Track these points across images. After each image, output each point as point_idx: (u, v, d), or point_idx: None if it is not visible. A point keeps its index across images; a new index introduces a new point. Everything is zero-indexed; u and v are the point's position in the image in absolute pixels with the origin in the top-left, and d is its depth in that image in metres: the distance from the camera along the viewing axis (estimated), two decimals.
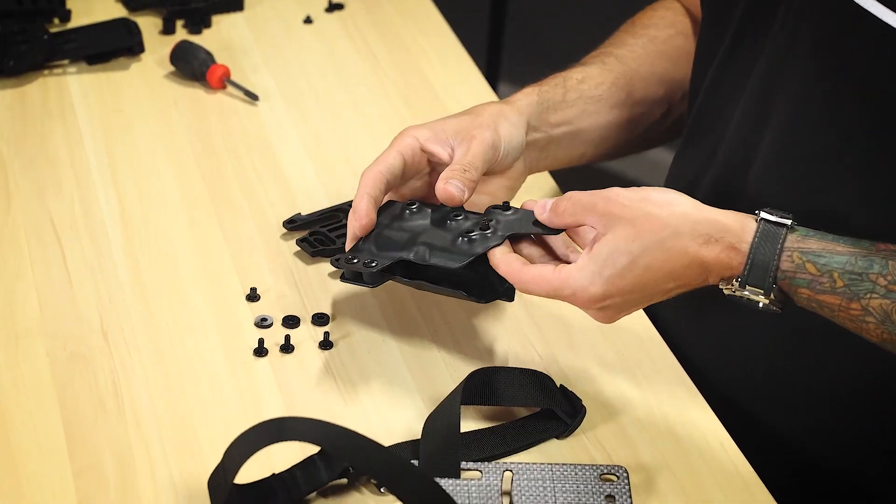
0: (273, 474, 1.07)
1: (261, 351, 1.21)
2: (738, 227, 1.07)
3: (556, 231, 1.13)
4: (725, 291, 1.08)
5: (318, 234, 1.34)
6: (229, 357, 1.20)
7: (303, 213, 1.37)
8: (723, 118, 1.26)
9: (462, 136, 1.23)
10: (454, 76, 1.62)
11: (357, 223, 1.17)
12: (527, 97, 1.30)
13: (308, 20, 1.71)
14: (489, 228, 1.15)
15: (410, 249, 1.16)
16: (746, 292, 1.07)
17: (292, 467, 1.07)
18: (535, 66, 1.51)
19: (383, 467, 1.04)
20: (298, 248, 1.33)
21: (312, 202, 1.40)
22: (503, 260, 1.13)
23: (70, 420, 1.12)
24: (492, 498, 1.08)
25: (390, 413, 1.16)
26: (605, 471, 1.11)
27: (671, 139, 1.45)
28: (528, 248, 1.15)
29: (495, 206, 1.19)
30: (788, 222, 1.07)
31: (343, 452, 1.04)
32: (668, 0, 1.45)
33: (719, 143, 1.26)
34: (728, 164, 1.25)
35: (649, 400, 1.20)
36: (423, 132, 1.23)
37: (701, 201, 1.24)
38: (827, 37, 1.12)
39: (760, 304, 1.07)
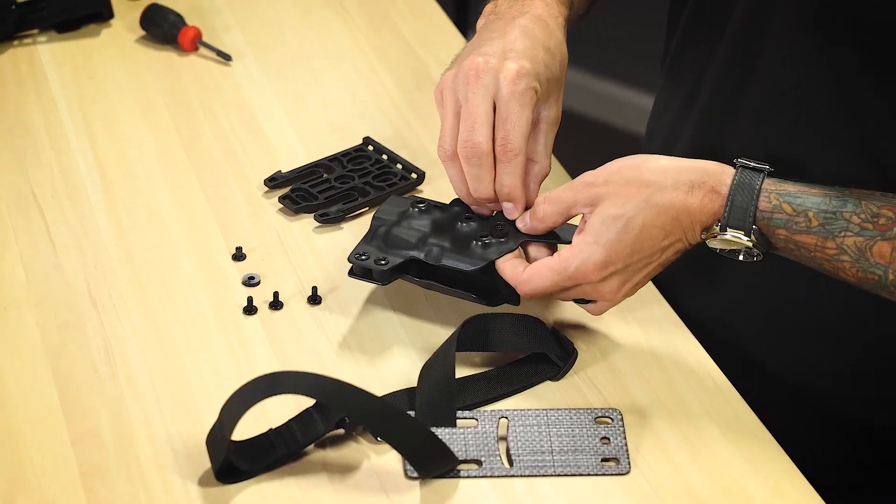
0: (270, 429, 1.08)
1: (250, 309, 1.21)
2: (718, 171, 1.09)
3: (568, 241, 1.14)
4: (708, 242, 1.09)
5: (299, 190, 1.34)
6: (219, 317, 1.21)
7: (283, 171, 1.37)
8: (701, 59, 1.26)
9: (549, 103, 1.19)
10: (426, 26, 1.62)
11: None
12: (564, 19, 1.25)
13: None
14: (504, 236, 1.16)
15: (422, 249, 1.17)
16: (728, 236, 1.08)
17: (289, 421, 1.08)
18: None
19: (377, 417, 1.05)
20: (281, 206, 1.33)
21: (292, 159, 1.40)
22: (508, 266, 1.14)
23: (65, 388, 1.13)
24: (488, 445, 1.09)
25: (383, 364, 1.17)
26: (600, 414, 1.12)
27: None
28: (537, 252, 1.16)
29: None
30: (766, 168, 1.08)
31: (337, 403, 1.05)
32: None
33: (703, 78, 1.26)
34: (716, 98, 1.25)
35: (639, 339, 1.20)
36: (538, 87, 1.17)
37: (688, 137, 1.25)
38: None
39: (742, 252, 1.09)
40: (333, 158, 1.38)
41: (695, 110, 1.28)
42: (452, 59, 1.21)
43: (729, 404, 1.15)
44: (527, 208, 1.17)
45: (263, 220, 1.32)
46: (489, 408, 1.13)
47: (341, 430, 1.09)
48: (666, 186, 1.09)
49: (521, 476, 1.07)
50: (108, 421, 1.10)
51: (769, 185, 1.08)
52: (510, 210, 1.17)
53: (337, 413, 1.07)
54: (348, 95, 1.50)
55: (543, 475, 1.08)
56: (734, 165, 1.09)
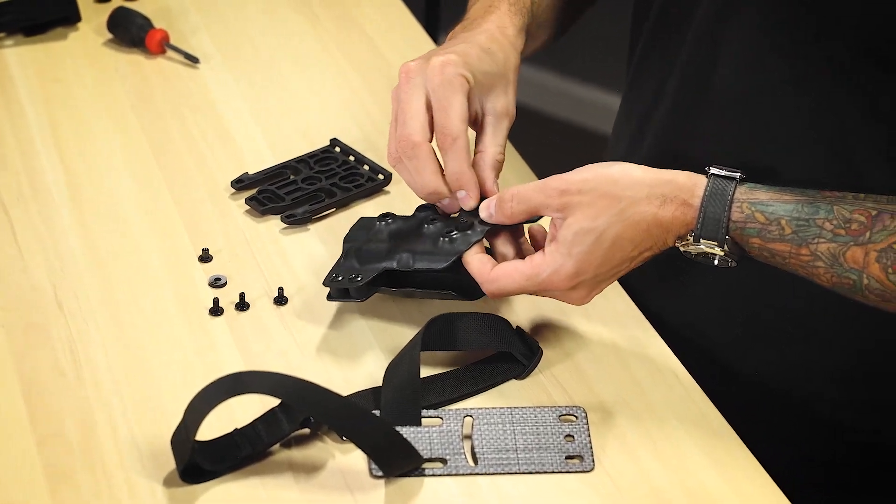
0: (235, 429, 1.08)
1: (216, 310, 1.21)
2: (690, 183, 1.09)
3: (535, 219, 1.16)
4: (682, 249, 1.10)
5: (266, 191, 1.34)
6: (186, 318, 1.21)
7: (250, 172, 1.37)
8: (669, 54, 1.27)
9: (492, 96, 1.22)
10: (393, 29, 1.63)
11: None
12: (516, 31, 1.28)
13: None
14: (469, 228, 1.17)
15: (392, 258, 1.17)
16: (702, 246, 1.09)
17: (254, 421, 1.08)
18: None
19: (341, 416, 1.05)
20: (248, 207, 1.33)
21: (259, 161, 1.40)
22: (475, 259, 1.15)
23: (29, 390, 1.13)
24: (453, 443, 1.09)
25: (349, 364, 1.17)
26: (564, 412, 1.13)
27: None
28: (503, 247, 1.17)
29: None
30: (737, 175, 1.09)
31: (301, 403, 1.05)
32: None
33: (666, 80, 1.27)
34: (679, 100, 1.25)
35: (604, 337, 1.21)
36: (468, 75, 1.19)
37: (652, 139, 1.25)
38: None
39: (717, 259, 1.10)
40: (300, 160, 1.39)
41: (659, 113, 1.28)
42: None
43: (694, 402, 1.16)
44: (484, 197, 1.18)
45: (230, 222, 1.32)
46: (454, 406, 1.13)
47: (306, 430, 1.09)
48: (638, 200, 1.09)
49: (486, 474, 1.08)
50: (73, 423, 1.10)
51: (741, 193, 1.09)
52: (465, 199, 1.18)
53: (301, 412, 1.07)
54: (316, 97, 1.51)
55: (508, 473, 1.08)
56: (706, 174, 1.10)
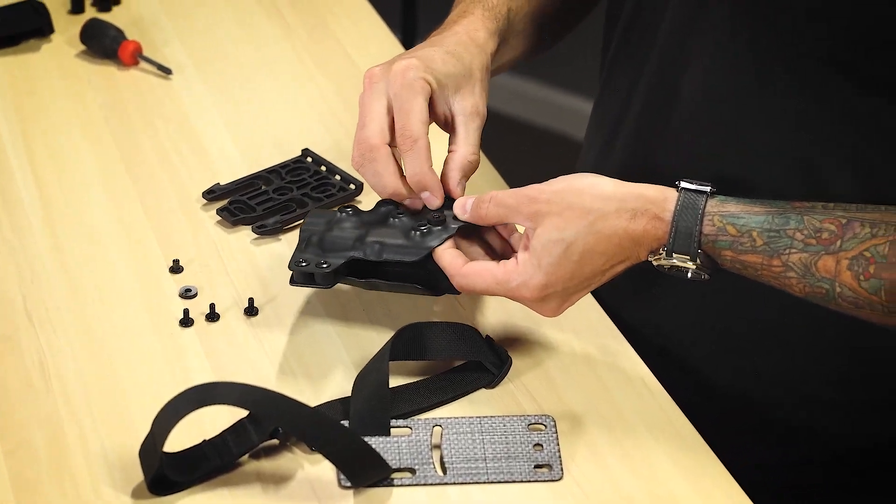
0: (204, 440, 1.08)
1: (186, 321, 1.21)
2: (661, 197, 1.10)
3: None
4: (654, 263, 1.11)
5: (238, 202, 1.34)
6: (156, 329, 1.21)
7: (222, 183, 1.37)
8: (637, 61, 1.28)
9: (459, 97, 1.21)
10: (367, 38, 1.63)
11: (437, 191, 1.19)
12: (487, 34, 1.27)
13: None
14: (441, 223, 1.17)
15: (360, 248, 1.17)
16: (674, 260, 1.09)
17: (223, 432, 1.08)
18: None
19: (309, 427, 1.05)
20: (219, 218, 1.33)
21: (232, 171, 1.40)
22: (447, 254, 1.15)
23: None
24: (422, 453, 1.09)
25: (319, 374, 1.17)
26: (533, 420, 1.13)
27: None
28: (471, 247, 1.17)
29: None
30: (708, 189, 1.09)
31: (269, 414, 1.05)
32: None
33: (636, 87, 1.27)
34: (648, 107, 1.26)
35: (574, 346, 1.21)
36: (430, 78, 1.19)
37: (622, 146, 1.25)
38: None
39: (689, 273, 1.10)
40: (272, 170, 1.39)
41: (629, 119, 1.29)
42: None
43: (663, 412, 1.16)
44: (449, 197, 1.19)
45: (202, 233, 1.32)
46: (423, 416, 1.13)
47: (275, 441, 1.09)
48: (608, 213, 1.09)
49: (455, 484, 1.08)
50: (41, 433, 1.10)
51: (712, 206, 1.09)
52: (429, 200, 1.18)
53: (269, 423, 1.07)
54: (288, 107, 1.51)
55: (477, 482, 1.08)
56: (676, 187, 1.10)
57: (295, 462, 1.09)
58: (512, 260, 1.13)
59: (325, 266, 1.16)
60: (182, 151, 1.43)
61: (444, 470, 1.09)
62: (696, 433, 1.14)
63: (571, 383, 1.18)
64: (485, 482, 1.08)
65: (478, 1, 1.29)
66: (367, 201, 1.36)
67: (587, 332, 1.23)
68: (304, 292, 1.24)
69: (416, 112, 1.17)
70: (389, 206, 1.21)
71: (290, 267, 1.17)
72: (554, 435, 1.12)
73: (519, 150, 1.38)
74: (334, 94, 1.53)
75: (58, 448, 1.09)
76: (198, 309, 1.23)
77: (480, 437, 1.11)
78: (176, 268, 1.27)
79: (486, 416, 1.13)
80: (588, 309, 1.26)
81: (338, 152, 1.43)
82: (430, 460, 1.09)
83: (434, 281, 1.17)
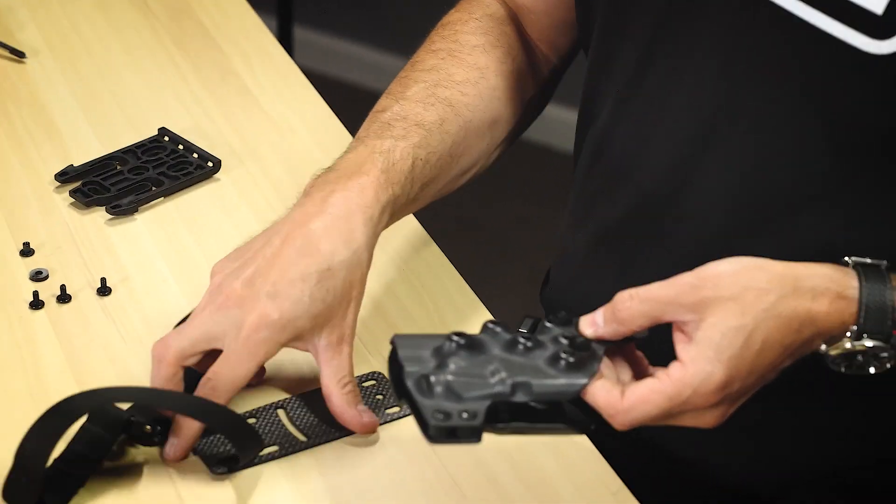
0: (55, 459, 1.00)
1: (36, 303, 1.18)
2: (840, 274, 0.95)
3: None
4: (833, 353, 0.96)
5: (91, 183, 1.31)
6: (4, 313, 1.17)
7: (75, 165, 1.33)
8: (605, 86, 1.20)
9: (325, 331, 1.07)
10: (229, 18, 1.60)
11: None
12: (380, 210, 1.10)
13: None
14: (586, 348, 0.95)
15: (501, 385, 0.93)
16: (865, 341, 0.94)
17: (70, 443, 1.01)
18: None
19: (197, 407, 1.03)
20: (73, 200, 1.30)
21: (87, 154, 1.36)
22: (601, 390, 0.93)
23: None
24: (279, 430, 1.08)
25: None
26: (365, 378, 1.12)
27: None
28: (619, 369, 0.97)
29: (547, 319, 0.98)
30: (884, 263, 0.97)
31: (157, 404, 1.04)
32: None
33: (615, 99, 1.19)
34: (629, 119, 1.18)
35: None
36: (283, 339, 1.05)
37: (607, 163, 1.19)
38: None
39: (877, 362, 0.95)
40: (128, 150, 1.36)
41: (610, 132, 1.21)
42: (234, 247, 1.12)
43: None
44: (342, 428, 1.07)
45: (54, 216, 1.28)
46: (262, 403, 1.10)
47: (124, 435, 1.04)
48: (787, 294, 0.93)
49: (319, 444, 1.07)
50: None
51: (893, 280, 0.96)
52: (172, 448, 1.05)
53: (160, 410, 1.03)
54: (147, 89, 1.47)
55: (338, 438, 1.08)
56: (843, 264, 0.97)
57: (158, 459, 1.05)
58: (675, 365, 0.92)
59: (474, 420, 0.91)
60: (35, 135, 1.39)
61: (305, 436, 1.08)
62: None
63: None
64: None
65: (379, 152, 1.12)
66: (226, 180, 1.33)
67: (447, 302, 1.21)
68: (157, 269, 1.21)
69: (235, 380, 1.04)
70: (500, 329, 0.97)
71: (431, 423, 0.91)
72: (389, 385, 1.11)
73: (508, 163, 1.33)
74: (195, 76, 1.50)
75: None
76: (49, 291, 1.19)
77: (321, 405, 1.08)
78: (27, 251, 1.23)
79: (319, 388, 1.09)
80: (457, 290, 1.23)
81: (197, 132, 1.40)
82: (289, 433, 1.08)
83: (582, 415, 0.95)
